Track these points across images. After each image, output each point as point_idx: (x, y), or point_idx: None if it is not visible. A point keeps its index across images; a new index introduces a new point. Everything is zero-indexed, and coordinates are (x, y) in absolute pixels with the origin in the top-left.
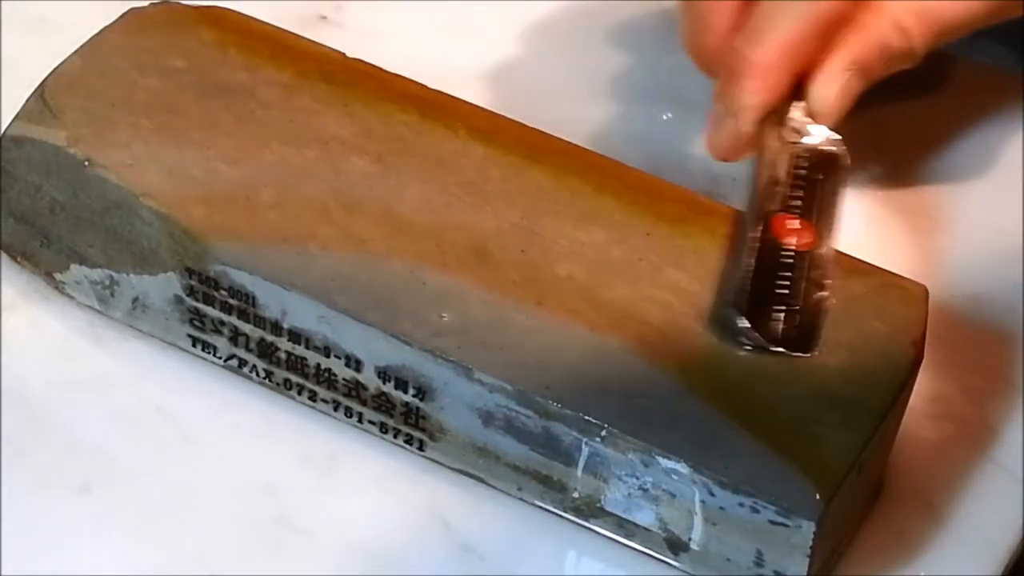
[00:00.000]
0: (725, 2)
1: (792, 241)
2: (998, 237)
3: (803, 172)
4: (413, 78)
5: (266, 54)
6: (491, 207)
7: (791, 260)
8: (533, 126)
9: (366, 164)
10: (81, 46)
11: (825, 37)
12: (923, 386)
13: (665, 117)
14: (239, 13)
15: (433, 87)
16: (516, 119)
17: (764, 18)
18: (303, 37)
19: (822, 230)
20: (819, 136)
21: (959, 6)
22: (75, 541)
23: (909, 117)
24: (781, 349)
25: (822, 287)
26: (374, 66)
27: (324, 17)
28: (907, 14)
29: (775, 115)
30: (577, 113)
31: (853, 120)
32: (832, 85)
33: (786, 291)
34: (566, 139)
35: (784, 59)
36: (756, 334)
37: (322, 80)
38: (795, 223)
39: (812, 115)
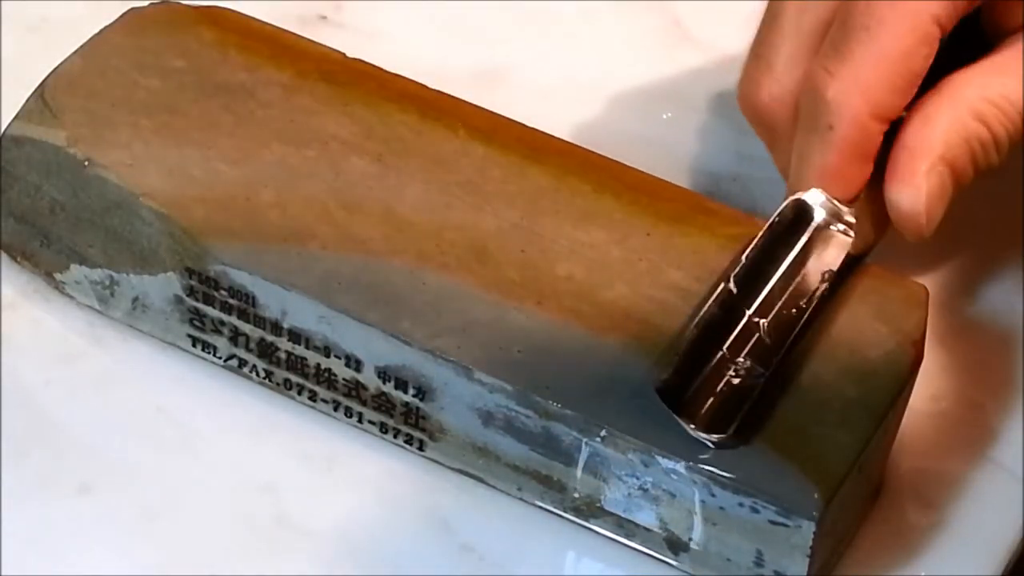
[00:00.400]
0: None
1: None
2: (998, 237)
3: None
4: (413, 78)
5: (266, 54)
6: (491, 207)
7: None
8: (533, 126)
9: (366, 164)
10: (81, 46)
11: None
12: (923, 386)
13: (665, 117)
14: (239, 13)
15: (433, 87)
16: (516, 119)
17: (797, 161)
18: (303, 37)
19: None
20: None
21: None
22: (75, 541)
23: None
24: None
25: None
26: (374, 66)
27: (324, 17)
28: (983, 102)
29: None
30: (577, 113)
31: None
32: (921, 185)
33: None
34: (566, 139)
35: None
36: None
37: (322, 80)
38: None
39: (900, 227)
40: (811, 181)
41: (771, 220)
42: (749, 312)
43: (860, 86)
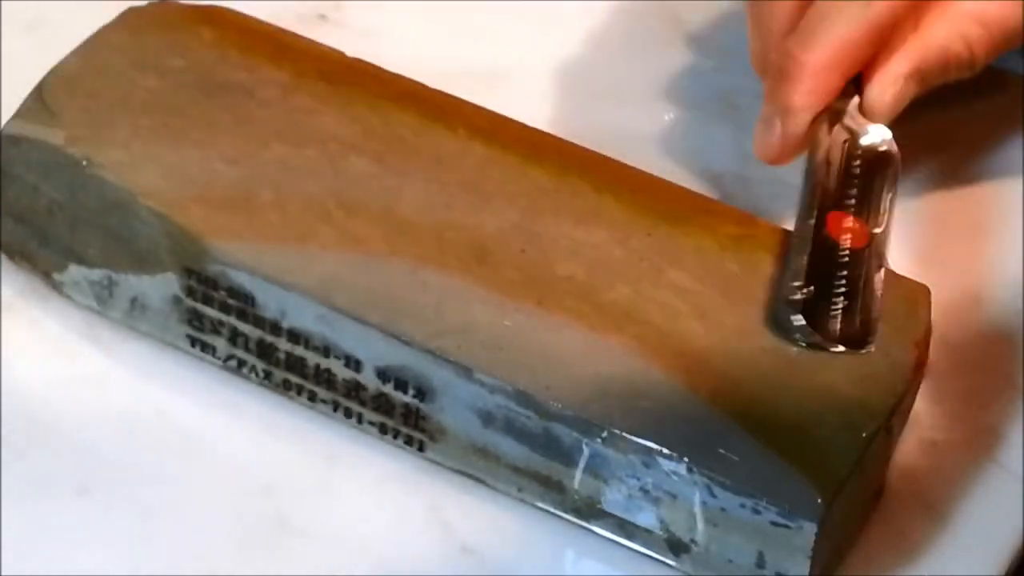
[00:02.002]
0: (783, 4)
1: (847, 239)
2: (998, 237)
3: (856, 170)
4: (413, 78)
5: (265, 54)
6: (491, 207)
7: (846, 258)
8: (533, 126)
9: (366, 164)
10: (80, 45)
11: (880, 41)
12: (925, 387)
13: (665, 117)
14: (238, 12)
15: (433, 87)
16: (516, 119)
17: (817, 20)
18: (303, 37)
19: (875, 227)
20: (872, 134)
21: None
22: (74, 542)
23: (910, 117)
24: (839, 347)
25: (876, 284)
26: (374, 66)
27: (324, 16)
28: (972, 24)
29: (828, 112)
30: (578, 113)
31: None
32: (889, 88)
33: (842, 289)
34: (566, 139)
35: (836, 62)
36: (814, 332)
37: (322, 80)
38: (849, 221)
39: (866, 114)
40: (829, 41)
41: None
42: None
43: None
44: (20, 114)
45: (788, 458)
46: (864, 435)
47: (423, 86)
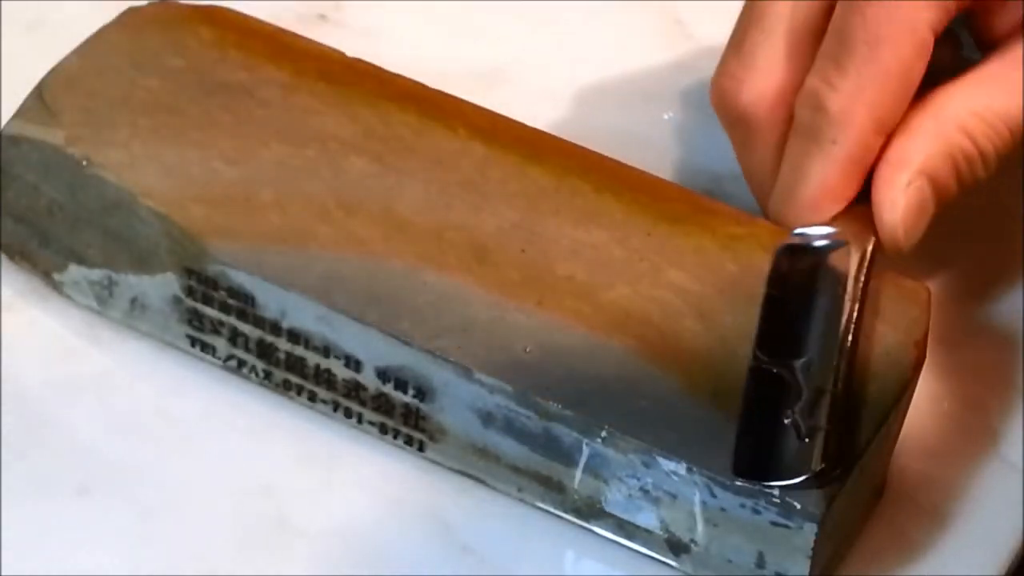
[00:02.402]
0: (762, 158)
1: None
2: (998, 237)
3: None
4: (413, 78)
5: (265, 53)
6: (491, 207)
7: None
8: (533, 126)
9: (366, 164)
10: (79, 45)
11: (863, 168)
12: (925, 386)
13: (666, 117)
14: (238, 12)
15: (433, 87)
16: (516, 119)
17: (790, 171)
18: (302, 36)
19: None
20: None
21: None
22: (74, 542)
23: None
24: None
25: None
26: (374, 66)
27: (324, 16)
28: (969, 116)
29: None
30: (577, 113)
31: None
32: (899, 198)
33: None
34: (566, 139)
35: (820, 208)
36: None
37: (322, 80)
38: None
39: (885, 239)
40: (807, 191)
41: (769, 274)
42: (792, 377)
43: (864, 100)
44: (20, 114)
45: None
46: (865, 435)
47: (423, 86)
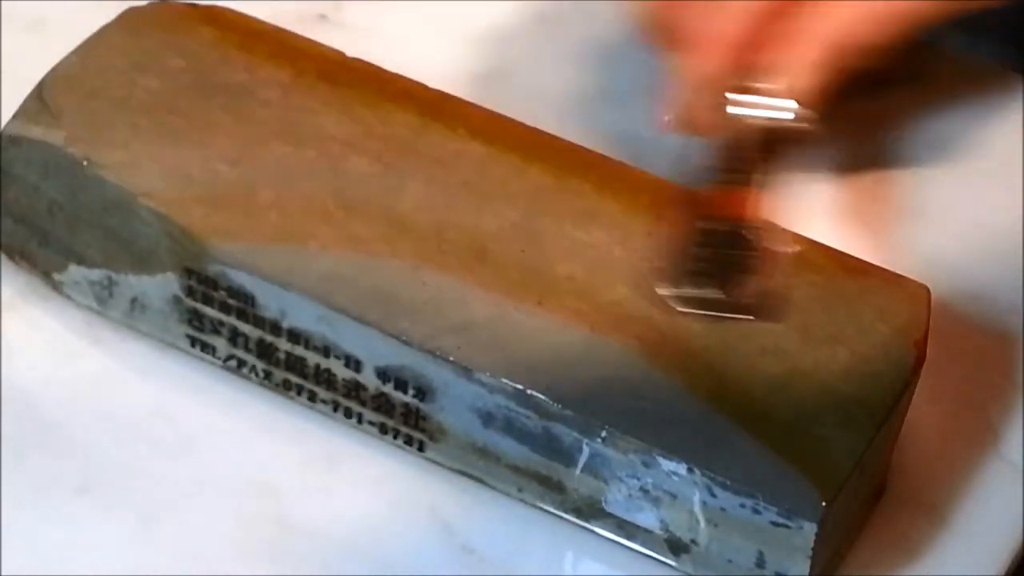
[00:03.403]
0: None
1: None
2: (998, 237)
3: (750, 146)
4: (413, 78)
5: (265, 54)
6: (491, 207)
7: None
8: (533, 126)
9: (366, 164)
10: (79, 45)
11: (771, 17)
12: (925, 386)
13: (666, 117)
14: (238, 12)
15: (433, 87)
16: (516, 119)
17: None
18: (303, 37)
19: (756, 202)
20: (779, 108)
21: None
22: (74, 541)
23: (910, 117)
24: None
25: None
26: (374, 66)
27: (324, 16)
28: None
29: (728, 89)
30: (577, 113)
31: (852, 120)
32: (806, 58)
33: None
34: (566, 139)
35: (734, 38)
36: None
37: (322, 80)
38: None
39: (785, 88)
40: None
41: None
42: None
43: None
44: (20, 114)
45: (788, 458)
46: (865, 435)
47: (423, 86)
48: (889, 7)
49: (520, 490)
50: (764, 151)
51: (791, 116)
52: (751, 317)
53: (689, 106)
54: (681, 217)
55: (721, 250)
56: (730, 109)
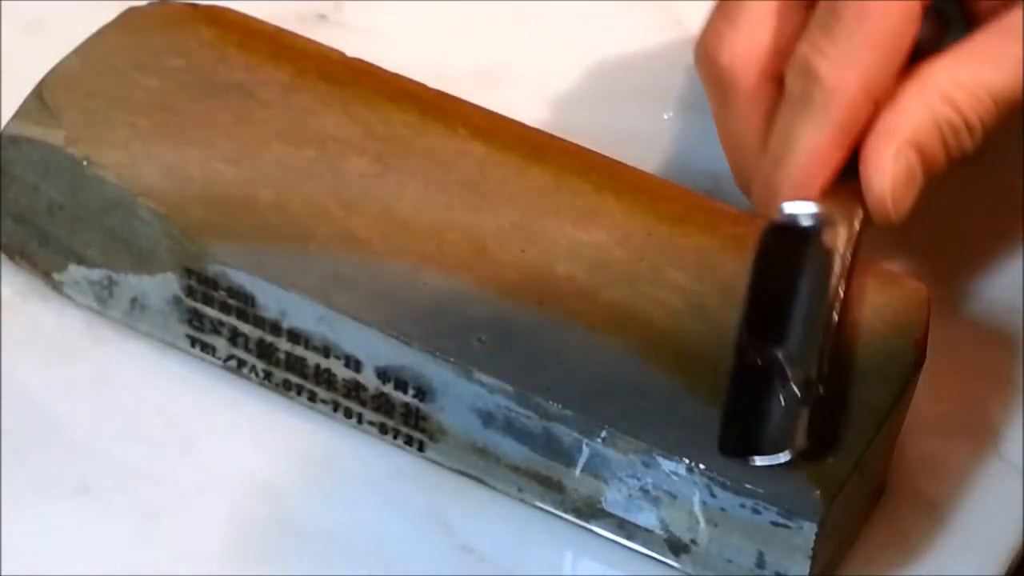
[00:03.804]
0: (748, 124)
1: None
2: (998, 237)
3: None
4: (413, 78)
5: (265, 53)
6: (491, 207)
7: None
8: (533, 126)
9: (366, 164)
10: (79, 45)
11: (853, 136)
12: (925, 386)
13: (666, 117)
14: (238, 12)
15: (433, 87)
16: (516, 119)
17: (780, 139)
18: (302, 36)
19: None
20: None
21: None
22: (74, 541)
23: None
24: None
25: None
26: (374, 66)
27: (324, 16)
28: (955, 87)
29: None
30: (577, 113)
31: None
32: (887, 168)
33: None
34: (566, 139)
35: (812, 174)
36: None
37: (322, 79)
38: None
39: (874, 210)
40: (797, 158)
41: (755, 252)
42: (774, 356)
43: (854, 67)
44: (20, 114)
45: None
46: (865, 435)
47: (423, 86)
48: (976, 82)
49: (520, 490)
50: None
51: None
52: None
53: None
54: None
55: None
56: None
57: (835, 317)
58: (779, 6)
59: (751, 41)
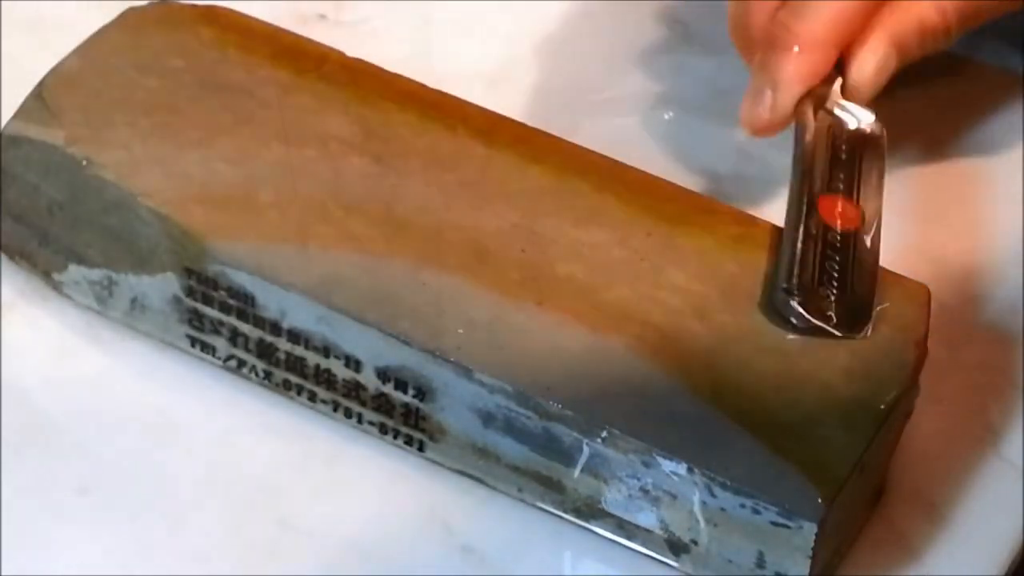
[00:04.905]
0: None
1: (838, 221)
2: (998, 237)
3: (843, 154)
4: (413, 78)
5: (265, 53)
6: (491, 207)
7: (839, 241)
8: (533, 126)
9: (366, 164)
10: (79, 45)
11: (868, 15)
12: (925, 387)
13: (666, 117)
14: (238, 12)
15: (433, 87)
16: (516, 119)
17: (759, 72)
18: (302, 36)
19: (867, 210)
20: (857, 116)
21: None
22: (74, 541)
23: (910, 116)
24: (834, 331)
25: (870, 267)
26: (374, 66)
27: (324, 16)
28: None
29: (814, 94)
30: (577, 113)
31: None
32: (871, 60)
33: (836, 273)
34: (566, 139)
35: (830, 34)
36: (809, 317)
37: (321, 80)
38: (839, 203)
39: (849, 91)
40: (775, 85)
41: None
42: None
43: (823, 21)
44: (20, 114)
45: (788, 458)
46: (865, 435)
47: (423, 86)
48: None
49: (520, 490)
50: (849, 157)
51: (860, 120)
52: (838, 332)
53: (772, 108)
54: (793, 227)
55: (829, 259)
56: (807, 116)
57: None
58: None
59: (768, 7)
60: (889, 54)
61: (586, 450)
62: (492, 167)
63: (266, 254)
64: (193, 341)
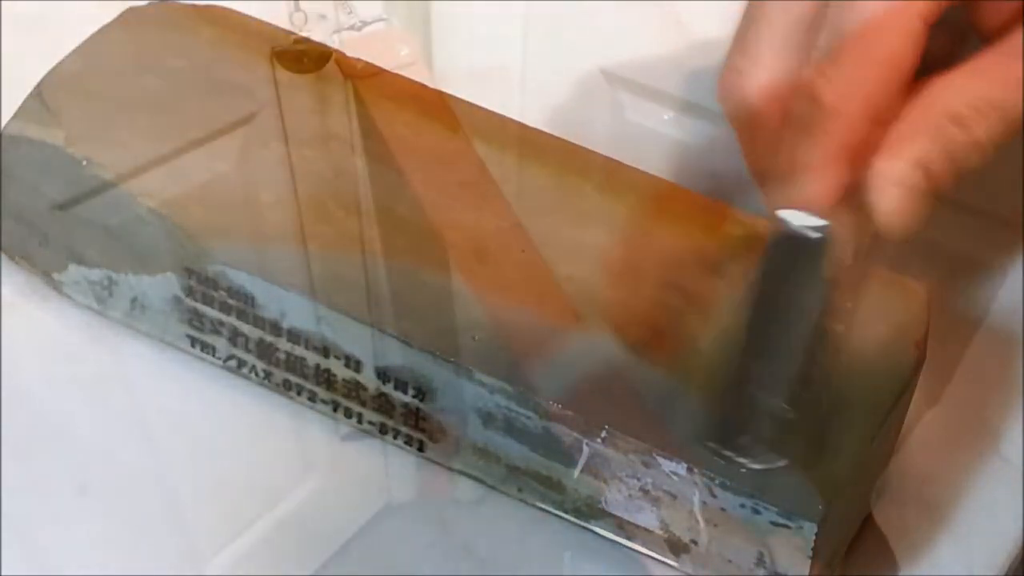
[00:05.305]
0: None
1: None
2: (998, 237)
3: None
4: (413, 78)
5: (265, 53)
6: (491, 207)
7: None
8: (533, 126)
9: (366, 164)
10: (79, 45)
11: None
12: (924, 386)
13: (666, 117)
14: (238, 12)
15: (433, 87)
16: (516, 119)
17: (786, 160)
18: (302, 36)
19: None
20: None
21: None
22: (74, 541)
23: None
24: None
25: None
26: (374, 66)
27: (324, 16)
28: (963, 106)
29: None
30: (577, 113)
31: None
32: (893, 187)
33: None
34: (566, 139)
35: (817, 193)
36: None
37: (321, 80)
38: None
39: (881, 231)
40: (801, 175)
41: (759, 260)
42: (767, 356)
43: (856, 89)
44: (20, 114)
45: (788, 458)
46: (864, 435)
47: (423, 86)
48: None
49: (520, 490)
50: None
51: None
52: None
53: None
54: None
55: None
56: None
57: (833, 329)
58: (790, 37)
59: (765, 73)
60: (914, 176)
61: (586, 450)
62: (492, 167)
63: (266, 254)
64: (193, 341)
